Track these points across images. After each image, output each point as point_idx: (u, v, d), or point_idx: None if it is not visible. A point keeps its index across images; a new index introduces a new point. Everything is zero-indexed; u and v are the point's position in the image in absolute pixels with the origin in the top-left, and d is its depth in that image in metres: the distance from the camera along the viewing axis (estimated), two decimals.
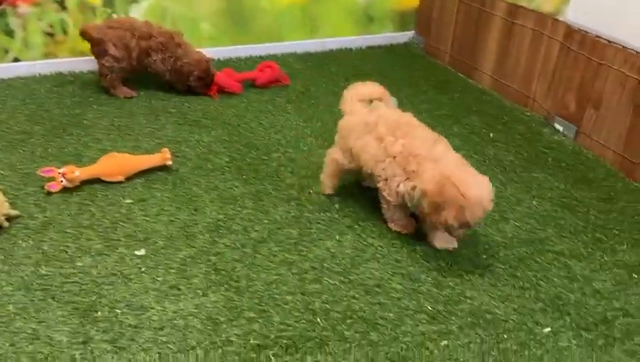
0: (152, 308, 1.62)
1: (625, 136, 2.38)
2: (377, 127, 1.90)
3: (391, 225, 1.97)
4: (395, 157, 1.84)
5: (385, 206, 1.96)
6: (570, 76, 2.59)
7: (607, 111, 2.44)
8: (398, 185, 1.86)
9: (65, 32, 2.96)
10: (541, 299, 1.72)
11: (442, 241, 1.89)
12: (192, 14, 3.12)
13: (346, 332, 1.58)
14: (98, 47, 2.67)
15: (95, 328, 1.55)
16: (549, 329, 1.62)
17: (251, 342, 1.53)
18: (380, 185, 1.92)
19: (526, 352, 1.55)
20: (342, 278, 1.77)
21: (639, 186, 2.30)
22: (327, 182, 2.13)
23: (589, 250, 1.94)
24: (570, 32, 2.57)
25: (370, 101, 2.07)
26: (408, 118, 1.97)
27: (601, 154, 2.48)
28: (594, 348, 1.57)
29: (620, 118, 2.39)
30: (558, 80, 2.66)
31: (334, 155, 2.07)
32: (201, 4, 3.11)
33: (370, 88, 2.10)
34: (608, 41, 2.41)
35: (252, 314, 1.62)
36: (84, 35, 2.67)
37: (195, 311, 1.62)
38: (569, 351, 1.56)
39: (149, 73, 2.79)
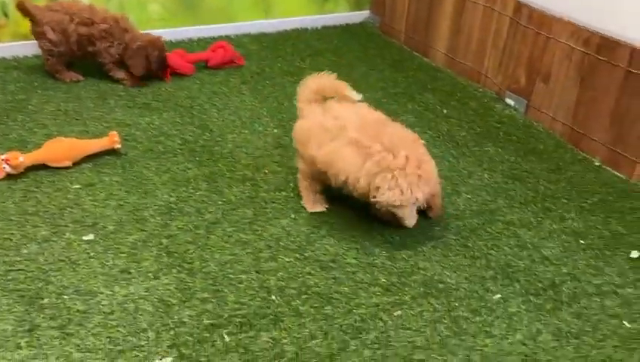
0: (101, 293, 1.59)
1: (573, 109, 2.43)
2: (346, 131, 1.75)
3: (412, 223, 1.82)
4: (402, 169, 1.72)
5: (402, 211, 1.77)
6: (520, 51, 2.63)
7: (556, 85, 2.49)
8: (417, 191, 1.75)
9: (6, 15, 2.83)
10: (492, 267, 1.76)
11: (413, 219, 1.85)
12: None
13: (300, 308, 1.58)
14: (36, 28, 2.56)
15: (42, 315, 1.51)
16: (499, 295, 1.66)
17: (204, 322, 1.52)
18: (384, 197, 1.73)
19: (477, 318, 1.58)
20: (297, 255, 1.77)
21: (586, 156, 2.37)
22: (308, 198, 1.95)
23: (539, 218, 1.98)
24: (519, 7, 2.60)
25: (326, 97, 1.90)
26: (370, 112, 1.85)
27: (551, 126, 2.54)
28: (542, 312, 1.61)
29: (567, 91, 2.44)
30: (508, 55, 2.70)
31: (300, 166, 1.93)
32: None
33: (327, 81, 1.88)
34: (555, 15, 2.46)
35: (205, 295, 1.60)
36: (21, 9, 2.54)
37: (146, 294, 1.59)
38: (518, 316, 1.60)
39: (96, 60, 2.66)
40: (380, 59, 3.16)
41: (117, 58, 2.63)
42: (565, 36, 2.41)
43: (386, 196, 1.73)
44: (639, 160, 2.20)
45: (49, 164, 2.06)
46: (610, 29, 2.24)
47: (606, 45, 2.25)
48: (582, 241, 1.89)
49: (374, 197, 1.75)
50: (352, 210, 1.95)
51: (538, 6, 2.52)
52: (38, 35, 2.56)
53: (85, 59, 2.68)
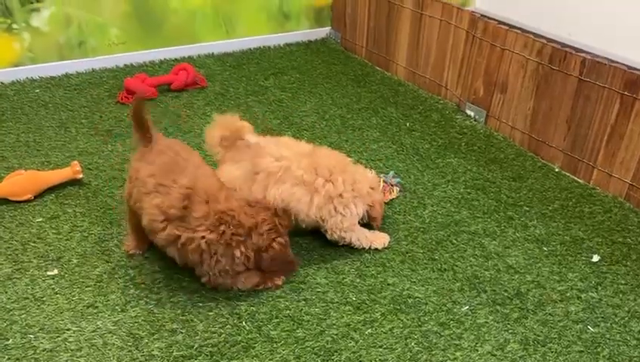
0: (68, 330, 1.56)
1: (530, 117, 2.50)
2: (290, 171, 1.78)
3: (375, 244, 1.90)
4: (340, 196, 1.81)
5: (351, 235, 1.86)
6: (477, 63, 2.70)
7: (513, 94, 2.56)
8: (355, 208, 1.84)
9: None
10: (459, 279, 1.79)
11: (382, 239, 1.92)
12: (99, 20, 3.01)
13: (272, 333, 1.58)
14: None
15: (7, 356, 1.47)
16: (467, 307, 1.69)
17: (174, 353, 1.50)
18: (336, 222, 1.82)
19: (446, 332, 1.60)
20: None
21: (546, 163, 2.43)
22: None
23: (502, 227, 2.03)
24: (474, 20, 2.67)
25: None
26: (299, 145, 1.89)
27: (510, 135, 2.60)
28: (509, 322, 1.65)
29: (524, 100, 2.51)
30: (466, 67, 2.77)
31: None
32: (106, 8, 3.00)
33: (232, 125, 1.87)
34: (509, 27, 2.53)
35: (174, 326, 1.58)
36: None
37: (114, 328, 1.56)
38: (486, 327, 1.63)
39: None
40: (342, 75, 3.20)
41: None
42: (519, 47, 2.48)
43: (330, 222, 1.82)
44: (596, 165, 2.28)
45: (10, 198, 2.02)
46: (561, 35, 2.32)
47: (558, 55, 2.32)
48: (544, 248, 1.94)
49: (324, 228, 1.84)
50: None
51: (497, 17, 2.59)
52: None
53: None
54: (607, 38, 2.94)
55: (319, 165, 1.81)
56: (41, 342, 1.52)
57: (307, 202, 1.80)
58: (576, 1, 3.22)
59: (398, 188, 2.18)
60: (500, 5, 3.49)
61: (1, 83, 2.86)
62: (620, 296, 1.75)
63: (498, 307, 1.69)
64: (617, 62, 2.17)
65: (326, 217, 1.82)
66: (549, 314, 1.68)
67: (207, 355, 1.50)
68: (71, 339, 1.53)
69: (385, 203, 2.11)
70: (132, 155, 1.73)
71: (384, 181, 2.15)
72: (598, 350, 1.57)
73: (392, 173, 2.25)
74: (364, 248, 1.89)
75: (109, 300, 1.65)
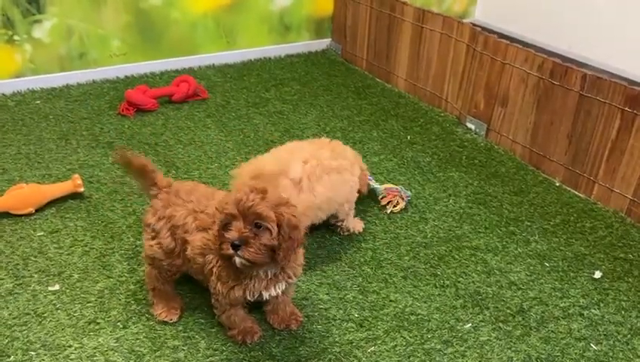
0: (70, 346, 1.55)
1: (531, 131, 2.51)
2: (324, 164, 1.83)
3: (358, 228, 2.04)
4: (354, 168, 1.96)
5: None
6: (477, 76, 2.71)
7: (514, 108, 2.57)
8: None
9: None
10: (461, 296, 1.79)
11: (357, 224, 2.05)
12: (101, 31, 3.01)
13: (274, 350, 1.57)
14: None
15: None
16: (470, 324, 1.68)
17: None
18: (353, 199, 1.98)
19: (449, 350, 1.60)
20: None
21: (547, 177, 2.44)
22: None
23: (504, 243, 2.03)
24: (474, 34, 2.68)
25: None
26: (303, 142, 1.97)
27: (511, 149, 2.61)
28: (512, 339, 1.64)
29: (525, 114, 2.52)
30: (467, 80, 2.78)
31: None
32: (107, 20, 3.00)
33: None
34: (510, 41, 2.54)
35: (176, 343, 1.58)
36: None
37: (116, 344, 1.56)
38: (489, 345, 1.62)
39: None
40: (343, 87, 3.20)
41: None
42: (520, 62, 2.49)
43: (351, 200, 1.96)
44: (597, 180, 2.28)
45: (11, 212, 2.01)
46: (561, 47, 2.33)
47: (559, 70, 2.33)
48: (546, 264, 1.94)
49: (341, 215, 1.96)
50: (322, 243, 1.96)
51: (496, 29, 2.60)
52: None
53: None
54: (606, 50, 2.96)
55: (334, 150, 1.92)
56: (43, 359, 1.51)
57: (344, 182, 1.88)
58: (575, 14, 3.25)
59: (405, 203, 2.18)
60: (499, 17, 3.53)
61: (2, 94, 2.86)
62: (623, 312, 1.75)
63: (501, 324, 1.69)
64: (618, 78, 2.18)
65: (350, 197, 1.94)
66: (552, 331, 1.68)
67: None
68: (72, 356, 1.52)
69: (393, 212, 2.16)
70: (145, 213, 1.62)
71: (399, 191, 2.19)
72: None
73: (409, 192, 2.25)
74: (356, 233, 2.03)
75: (110, 316, 1.65)
